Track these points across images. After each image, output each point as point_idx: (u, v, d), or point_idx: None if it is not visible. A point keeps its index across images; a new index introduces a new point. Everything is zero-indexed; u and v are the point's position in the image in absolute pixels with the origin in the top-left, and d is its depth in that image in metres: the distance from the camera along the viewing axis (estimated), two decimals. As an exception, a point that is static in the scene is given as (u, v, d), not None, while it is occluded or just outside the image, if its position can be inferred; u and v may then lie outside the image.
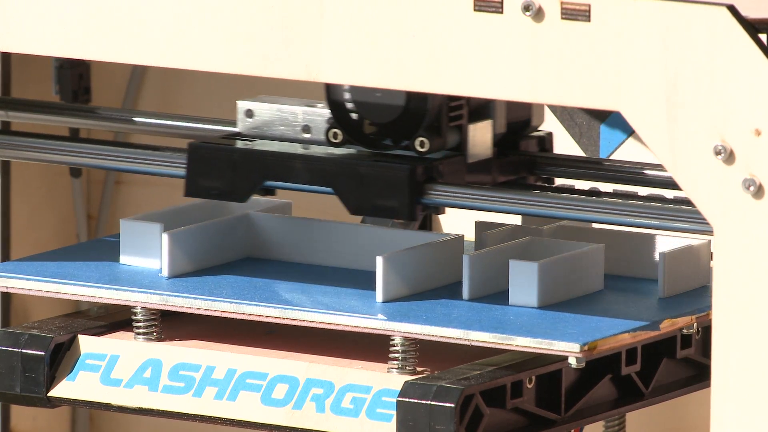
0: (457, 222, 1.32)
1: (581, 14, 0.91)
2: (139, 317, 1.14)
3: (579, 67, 0.92)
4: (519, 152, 1.19)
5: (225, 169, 1.13)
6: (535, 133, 1.22)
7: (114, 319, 1.18)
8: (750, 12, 0.94)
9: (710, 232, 0.94)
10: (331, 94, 1.13)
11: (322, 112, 1.15)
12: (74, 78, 1.44)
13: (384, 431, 1.03)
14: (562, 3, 0.91)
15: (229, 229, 1.22)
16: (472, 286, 1.09)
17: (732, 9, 0.88)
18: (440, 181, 1.10)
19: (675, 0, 0.89)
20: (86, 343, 1.14)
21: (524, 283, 1.07)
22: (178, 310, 1.14)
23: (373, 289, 1.09)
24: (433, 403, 0.98)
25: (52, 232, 1.46)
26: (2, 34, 1.07)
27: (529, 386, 1.04)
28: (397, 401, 1.00)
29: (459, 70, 0.96)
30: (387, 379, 1.04)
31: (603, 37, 0.91)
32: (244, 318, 1.12)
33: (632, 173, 1.19)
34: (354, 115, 1.12)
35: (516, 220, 1.20)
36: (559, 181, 1.22)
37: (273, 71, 1.02)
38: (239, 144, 1.17)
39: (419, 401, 0.98)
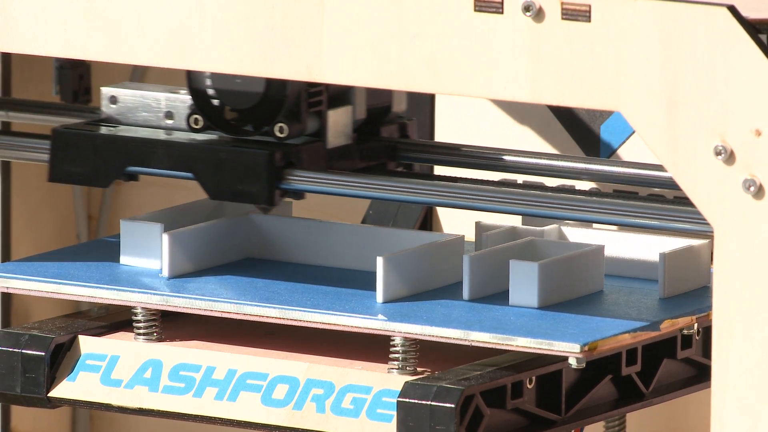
0: (458, 222, 1.32)
1: (581, 14, 0.91)
2: (139, 318, 1.14)
3: (579, 67, 0.92)
4: (379, 138, 1.20)
5: (88, 154, 1.15)
6: (397, 120, 1.23)
7: (114, 320, 1.18)
8: (750, 12, 0.94)
9: (710, 233, 0.94)
10: (192, 81, 1.14)
11: (184, 99, 1.16)
12: (74, 78, 1.43)
13: None
14: (562, 3, 0.91)
15: (229, 229, 1.22)
16: (472, 287, 1.09)
17: (732, 9, 0.88)
18: (299, 166, 1.11)
19: (675, 0, 0.89)
20: (86, 343, 1.14)
21: (524, 283, 1.07)
22: (178, 310, 1.14)
23: (373, 289, 1.09)
24: (433, 403, 0.98)
25: (52, 232, 1.46)
26: (2, 34, 1.07)
27: (529, 387, 1.03)
28: (398, 402, 1.00)
29: (459, 70, 0.96)
30: (387, 380, 1.04)
31: (603, 37, 0.91)
32: (244, 318, 1.12)
33: (491, 158, 1.20)
34: (215, 102, 1.13)
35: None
36: (441, 170, 1.23)
37: (273, 71, 1.02)
38: (102, 129, 1.18)
39: (419, 402, 0.98)
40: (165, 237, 1.15)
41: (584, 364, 1.01)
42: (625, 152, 1.42)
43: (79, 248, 1.38)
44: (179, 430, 1.49)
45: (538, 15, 0.92)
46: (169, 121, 1.17)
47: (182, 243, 1.16)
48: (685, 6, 0.89)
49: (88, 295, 1.15)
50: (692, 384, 1.17)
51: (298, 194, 1.13)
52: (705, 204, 0.91)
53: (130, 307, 1.15)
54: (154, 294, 1.13)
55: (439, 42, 0.96)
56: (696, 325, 1.09)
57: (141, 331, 1.13)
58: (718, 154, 0.89)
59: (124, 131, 1.17)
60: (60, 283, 1.15)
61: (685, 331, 1.09)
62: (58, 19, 1.05)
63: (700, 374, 1.15)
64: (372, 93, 1.17)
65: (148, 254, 1.18)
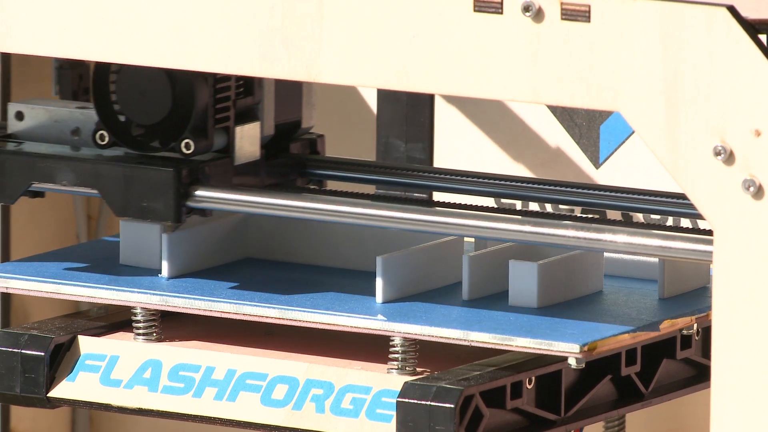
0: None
1: (581, 15, 0.91)
2: (138, 318, 1.14)
3: (579, 68, 0.92)
4: (287, 154, 1.19)
5: None
6: (306, 136, 1.22)
7: (114, 320, 1.18)
8: (750, 12, 0.94)
9: (710, 233, 0.94)
10: (98, 96, 1.13)
11: (91, 114, 1.15)
12: (74, 78, 1.43)
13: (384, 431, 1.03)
14: (562, 3, 0.91)
15: (228, 229, 1.22)
16: (472, 287, 1.09)
17: (732, 9, 0.88)
18: (206, 183, 1.11)
19: (675, 0, 0.89)
20: (86, 343, 1.14)
21: (524, 283, 1.07)
22: (178, 310, 1.14)
23: (373, 289, 1.09)
24: (432, 403, 0.98)
25: (52, 232, 1.46)
26: (2, 34, 1.07)
27: (528, 387, 1.03)
28: (397, 402, 1.00)
29: (459, 70, 0.96)
30: (387, 380, 1.04)
31: (603, 37, 0.91)
32: (243, 318, 1.12)
33: (407, 172, 1.19)
34: (121, 117, 1.13)
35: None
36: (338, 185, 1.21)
37: (273, 72, 1.02)
38: (8, 146, 1.17)
39: (419, 402, 0.98)
40: (165, 237, 1.15)
41: (584, 365, 1.01)
42: (625, 152, 1.42)
43: (79, 248, 1.38)
44: (179, 430, 1.49)
45: (538, 15, 0.92)
46: (76, 137, 1.15)
47: (182, 243, 1.16)
48: (685, 6, 0.89)
49: (88, 295, 1.15)
50: (692, 384, 1.17)
51: (204, 212, 1.12)
52: (705, 204, 0.91)
53: (130, 307, 1.15)
54: (154, 294, 1.13)
55: (438, 42, 0.96)
56: (695, 326, 1.09)
57: (140, 331, 1.13)
58: (717, 154, 0.89)
59: (29, 147, 1.16)
60: (60, 283, 1.15)
61: (685, 332, 1.09)
62: (58, 19, 1.05)
63: (700, 374, 1.15)
64: (281, 109, 1.16)
65: (147, 254, 1.18)
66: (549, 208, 1.25)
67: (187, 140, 1.09)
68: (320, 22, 0.98)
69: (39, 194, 1.15)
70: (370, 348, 1.09)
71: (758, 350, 0.90)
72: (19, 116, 1.17)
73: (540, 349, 1.01)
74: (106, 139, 1.12)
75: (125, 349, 1.13)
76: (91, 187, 1.12)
